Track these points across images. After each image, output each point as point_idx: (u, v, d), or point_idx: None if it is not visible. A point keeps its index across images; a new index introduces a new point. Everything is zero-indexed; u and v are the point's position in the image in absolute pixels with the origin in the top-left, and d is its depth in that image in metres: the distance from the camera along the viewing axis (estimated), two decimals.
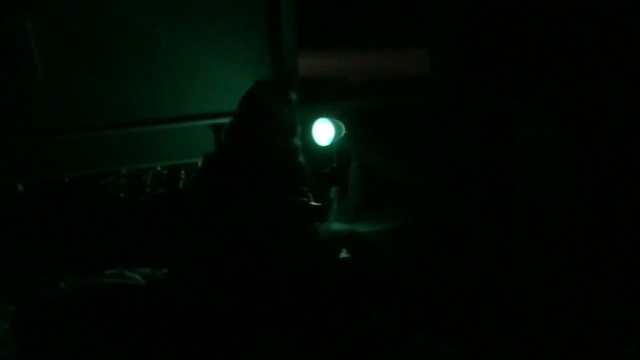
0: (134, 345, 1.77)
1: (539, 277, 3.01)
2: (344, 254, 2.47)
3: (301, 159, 2.41)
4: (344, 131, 2.91)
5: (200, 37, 2.83)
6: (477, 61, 3.41)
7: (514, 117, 3.44)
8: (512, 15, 3.30)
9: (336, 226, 2.75)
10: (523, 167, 3.43)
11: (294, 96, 2.31)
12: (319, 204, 2.45)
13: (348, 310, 2.00)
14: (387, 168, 3.28)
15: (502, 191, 3.47)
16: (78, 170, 2.68)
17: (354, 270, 2.40)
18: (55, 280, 2.23)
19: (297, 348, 1.77)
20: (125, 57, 2.73)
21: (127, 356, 1.77)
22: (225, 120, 2.92)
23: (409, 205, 3.13)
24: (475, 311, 2.82)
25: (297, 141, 2.38)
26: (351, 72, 3.64)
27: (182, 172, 2.75)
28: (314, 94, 3.23)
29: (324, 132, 2.92)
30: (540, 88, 3.34)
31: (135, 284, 2.22)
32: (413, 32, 3.54)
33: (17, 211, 2.49)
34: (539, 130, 3.30)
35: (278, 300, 1.93)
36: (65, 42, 2.62)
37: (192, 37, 2.81)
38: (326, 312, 1.98)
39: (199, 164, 2.86)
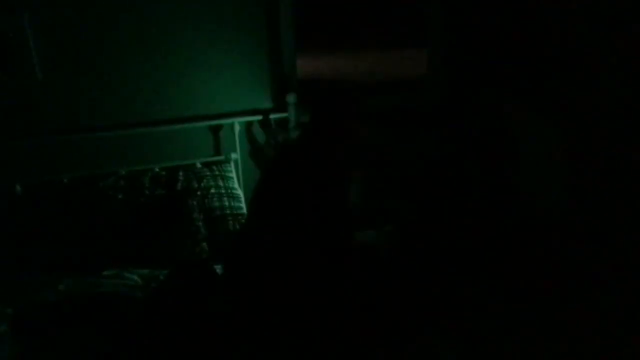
0: (132, 347, 1.77)
1: (539, 277, 3.01)
2: None
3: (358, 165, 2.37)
4: None
5: (199, 38, 2.83)
6: (476, 62, 3.41)
7: (513, 117, 3.44)
8: (510, 15, 3.30)
9: None
10: (523, 167, 3.42)
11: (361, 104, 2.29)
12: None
13: (349, 311, 1.99)
14: (386, 168, 3.28)
15: (501, 191, 3.46)
16: (77, 171, 2.68)
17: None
18: (53, 281, 2.24)
19: (297, 348, 1.76)
20: (124, 59, 2.73)
21: (126, 358, 1.77)
22: (223, 121, 2.93)
23: (408, 206, 3.13)
24: (474, 311, 2.81)
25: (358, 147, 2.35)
26: (350, 73, 3.64)
27: (181, 173, 2.75)
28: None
29: None
30: (540, 88, 3.33)
31: (134, 285, 2.22)
32: (413, 34, 3.55)
33: (16, 212, 2.49)
34: (538, 130, 3.30)
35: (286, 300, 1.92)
36: (64, 43, 2.62)
37: (191, 38, 2.81)
38: (327, 312, 1.98)
39: (198, 165, 2.86)
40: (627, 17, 2.97)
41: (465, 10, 3.31)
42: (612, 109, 3.02)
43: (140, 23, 2.71)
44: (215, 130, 2.95)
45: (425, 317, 2.57)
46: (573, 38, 3.18)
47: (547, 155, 3.24)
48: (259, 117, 2.98)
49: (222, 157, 2.95)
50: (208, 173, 2.81)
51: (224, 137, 2.96)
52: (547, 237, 3.18)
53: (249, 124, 3.01)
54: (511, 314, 2.71)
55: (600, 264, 2.93)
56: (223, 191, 2.77)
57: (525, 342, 2.50)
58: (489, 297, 2.88)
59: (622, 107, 2.99)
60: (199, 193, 2.70)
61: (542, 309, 2.73)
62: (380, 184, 3.21)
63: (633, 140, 2.99)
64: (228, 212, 2.72)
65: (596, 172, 3.04)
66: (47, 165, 2.66)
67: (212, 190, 2.74)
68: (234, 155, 2.95)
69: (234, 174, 2.90)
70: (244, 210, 2.79)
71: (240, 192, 2.86)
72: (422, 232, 3.08)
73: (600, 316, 2.63)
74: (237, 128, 2.92)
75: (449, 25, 3.33)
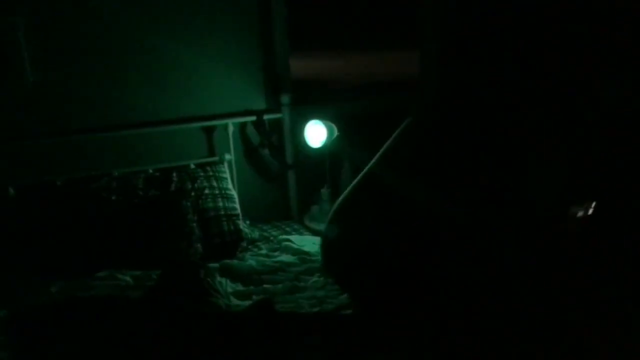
0: (128, 350, 1.76)
1: (537, 277, 3.00)
2: None
3: None
4: (336, 133, 2.92)
5: (192, 40, 2.82)
6: (470, 62, 3.41)
7: (509, 117, 3.43)
8: (504, 14, 3.30)
9: None
10: (521, 166, 3.41)
11: None
12: None
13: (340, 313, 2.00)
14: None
15: (498, 191, 3.46)
16: (70, 173, 2.67)
17: None
18: (46, 283, 2.23)
19: (289, 352, 1.77)
20: (116, 61, 2.72)
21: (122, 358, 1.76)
22: (217, 122, 2.92)
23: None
24: (470, 312, 2.81)
25: None
26: (345, 73, 3.64)
27: (174, 174, 2.75)
28: (307, 95, 3.23)
29: (316, 133, 2.92)
30: (538, 87, 3.33)
31: (125, 286, 2.21)
32: (406, 34, 3.55)
33: (9, 214, 2.47)
34: (534, 129, 3.30)
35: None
36: (56, 46, 2.61)
37: (183, 41, 2.80)
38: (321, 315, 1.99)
39: (191, 166, 2.85)
40: (627, 16, 2.97)
41: (457, 11, 3.31)
42: (612, 109, 3.02)
43: (133, 24, 2.70)
44: (209, 131, 2.95)
45: (418, 318, 2.58)
46: (570, 37, 3.18)
47: (545, 154, 3.24)
48: (253, 118, 2.98)
49: (216, 158, 2.94)
50: (202, 174, 2.80)
51: (218, 138, 2.96)
52: (545, 236, 3.17)
53: (243, 125, 3.01)
54: (508, 315, 2.70)
55: (600, 264, 2.93)
56: (217, 192, 2.77)
57: (523, 342, 2.50)
58: (485, 297, 2.88)
59: (622, 107, 3.00)
60: (193, 194, 2.69)
61: (540, 309, 2.72)
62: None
63: (633, 139, 2.99)
64: (222, 212, 2.72)
65: (595, 171, 3.04)
66: (40, 168, 2.64)
67: (206, 191, 2.74)
68: (227, 156, 2.95)
69: (227, 175, 2.90)
70: (238, 211, 2.79)
71: (234, 193, 2.86)
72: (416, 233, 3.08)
73: (600, 316, 2.62)
74: (230, 129, 2.92)
75: (441, 25, 3.33)
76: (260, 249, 2.63)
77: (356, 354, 1.75)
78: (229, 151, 2.95)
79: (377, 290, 1.95)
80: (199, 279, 2.08)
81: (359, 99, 3.39)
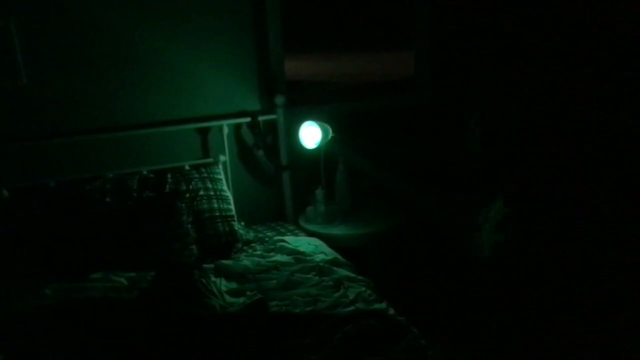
0: (123, 352, 1.76)
1: (534, 276, 3.01)
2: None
3: None
4: (330, 134, 2.92)
5: (186, 42, 2.82)
6: (464, 62, 3.43)
7: (503, 118, 3.45)
8: (499, 15, 3.32)
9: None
10: (515, 167, 3.43)
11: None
12: None
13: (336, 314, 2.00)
14: (375, 171, 3.29)
15: (493, 191, 3.47)
16: (63, 175, 2.66)
17: None
18: (40, 285, 2.22)
19: (284, 353, 1.76)
20: (110, 62, 2.71)
21: None
22: (211, 124, 2.92)
23: (397, 208, 3.14)
24: (465, 312, 2.82)
25: None
26: (339, 75, 3.65)
27: (169, 176, 2.74)
28: (301, 96, 3.23)
29: (310, 135, 2.93)
30: (534, 88, 3.34)
31: (120, 287, 2.21)
32: (403, 35, 3.56)
33: (2, 216, 2.46)
34: (530, 131, 3.31)
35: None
36: (50, 47, 2.60)
37: (178, 42, 2.80)
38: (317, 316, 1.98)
39: (186, 167, 2.85)
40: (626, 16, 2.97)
41: (451, 11, 3.33)
42: (610, 108, 3.02)
43: (127, 25, 2.69)
44: (204, 132, 2.94)
45: (414, 319, 2.59)
46: (565, 38, 3.19)
47: (540, 152, 3.24)
48: (248, 119, 2.98)
49: (210, 160, 2.94)
50: (196, 175, 2.80)
51: (213, 140, 2.96)
52: (542, 236, 3.18)
53: (238, 126, 3.01)
54: (505, 315, 2.70)
55: (600, 263, 2.93)
56: (212, 193, 2.77)
57: (518, 342, 2.50)
58: (479, 298, 2.88)
59: (619, 107, 3.01)
60: (187, 195, 2.69)
61: (537, 310, 2.72)
62: (368, 186, 3.22)
63: (632, 139, 3.00)
64: (217, 214, 2.71)
65: (594, 170, 3.05)
66: (34, 169, 2.63)
67: (201, 193, 2.73)
68: (222, 158, 2.94)
69: (222, 176, 2.89)
70: (233, 212, 2.78)
71: (229, 194, 2.86)
72: (410, 234, 3.09)
73: (600, 316, 2.62)
74: (225, 130, 2.92)
75: (435, 26, 3.35)
76: (255, 249, 2.63)
77: (355, 354, 1.76)
78: (223, 152, 2.95)
79: None
80: (193, 280, 2.07)
81: (354, 100, 3.40)
